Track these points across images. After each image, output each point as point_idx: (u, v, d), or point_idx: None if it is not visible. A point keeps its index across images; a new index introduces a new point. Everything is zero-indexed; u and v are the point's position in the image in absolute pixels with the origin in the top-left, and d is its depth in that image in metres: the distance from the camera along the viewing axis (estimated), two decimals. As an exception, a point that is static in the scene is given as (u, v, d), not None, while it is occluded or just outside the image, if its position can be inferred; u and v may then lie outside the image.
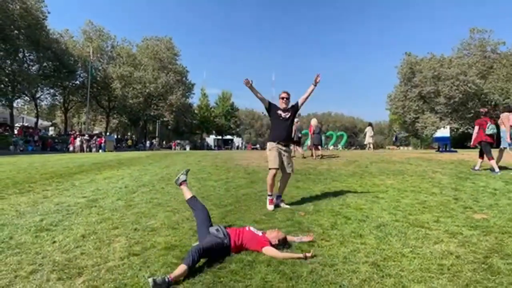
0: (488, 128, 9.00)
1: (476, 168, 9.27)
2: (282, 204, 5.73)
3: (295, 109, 5.86)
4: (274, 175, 5.61)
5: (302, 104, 5.89)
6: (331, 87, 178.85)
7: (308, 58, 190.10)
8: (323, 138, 30.91)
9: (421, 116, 45.88)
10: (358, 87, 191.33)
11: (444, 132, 18.45)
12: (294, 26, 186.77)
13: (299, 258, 3.52)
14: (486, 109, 9.57)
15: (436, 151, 17.56)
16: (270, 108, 5.80)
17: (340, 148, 31.81)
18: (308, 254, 3.56)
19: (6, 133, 34.40)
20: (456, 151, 16.70)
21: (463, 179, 7.79)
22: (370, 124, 20.85)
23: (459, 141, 42.23)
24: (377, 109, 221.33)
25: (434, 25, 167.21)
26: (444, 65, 44.48)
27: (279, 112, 5.75)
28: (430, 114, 44.32)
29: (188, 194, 4.50)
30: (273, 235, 3.86)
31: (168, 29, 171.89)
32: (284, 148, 5.77)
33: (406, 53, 49.23)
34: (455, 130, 41.92)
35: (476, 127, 9.33)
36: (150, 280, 2.88)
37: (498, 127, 9.45)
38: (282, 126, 5.75)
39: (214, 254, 3.51)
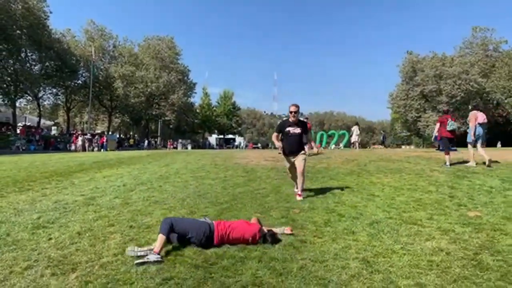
0: (448, 125, 9.67)
1: (448, 165, 9.55)
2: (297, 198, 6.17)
3: (305, 126, 6.42)
4: (290, 171, 6.50)
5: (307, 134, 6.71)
6: (333, 86, 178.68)
7: (310, 57, 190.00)
8: (325, 136, 31.01)
9: (422, 115, 45.83)
10: (360, 86, 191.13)
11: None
12: (295, 25, 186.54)
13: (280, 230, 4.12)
14: (447, 108, 10.52)
15: (436, 149, 17.51)
16: (281, 130, 6.36)
17: (342, 147, 31.76)
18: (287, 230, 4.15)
19: (9, 133, 34.59)
20: (456, 150, 16.63)
21: (461, 177, 7.80)
22: (356, 124, 22.40)
23: (461, 140, 42.09)
24: (379, 108, 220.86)
25: (436, 23, 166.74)
26: (446, 63, 44.42)
27: (288, 128, 6.24)
28: (432, 113, 44.24)
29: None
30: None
31: (169, 28, 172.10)
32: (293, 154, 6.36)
33: (408, 51, 49.25)
34: (457, 128, 41.80)
35: (438, 124, 10.07)
36: (136, 261, 3.36)
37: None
38: (292, 141, 6.27)
39: (193, 232, 3.80)
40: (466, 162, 9.97)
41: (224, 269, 3.27)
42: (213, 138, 70.60)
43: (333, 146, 34.36)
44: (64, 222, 4.81)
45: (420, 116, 46.23)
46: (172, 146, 49.04)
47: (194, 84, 59.69)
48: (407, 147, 55.47)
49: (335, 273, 3.21)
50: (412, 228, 4.46)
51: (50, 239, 4.14)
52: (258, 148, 61.28)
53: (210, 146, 62.20)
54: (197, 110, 63.01)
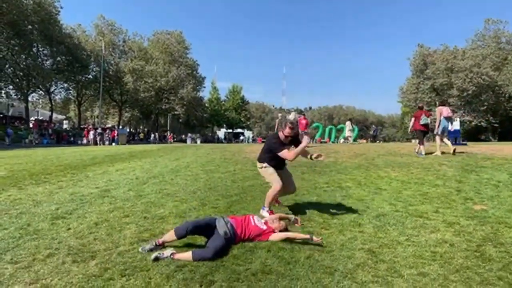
0: (421, 119, 10.88)
1: (420, 152, 10.88)
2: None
3: (298, 141, 4.99)
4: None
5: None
6: (343, 80, 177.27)
7: (319, 51, 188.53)
8: (334, 130, 31.07)
9: (433, 109, 45.28)
10: (370, 80, 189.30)
11: (454, 125, 18.28)
12: (304, 19, 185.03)
13: (305, 238, 3.76)
14: (421, 105, 11.85)
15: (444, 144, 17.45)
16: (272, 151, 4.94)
17: (351, 142, 31.71)
18: (315, 238, 3.77)
19: (22, 127, 35.28)
20: (466, 144, 16.57)
21: (468, 172, 7.83)
22: (350, 120, 24.54)
23: (472, 134, 41.59)
24: (389, 101, 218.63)
25: (447, 16, 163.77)
26: (457, 56, 43.80)
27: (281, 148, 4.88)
28: (443, 107, 43.71)
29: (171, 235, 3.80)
30: (276, 226, 4.03)
31: (178, 23, 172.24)
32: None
33: (418, 44, 48.68)
34: (468, 122, 41.29)
35: (413, 119, 11.40)
36: (153, 256, 3.38)
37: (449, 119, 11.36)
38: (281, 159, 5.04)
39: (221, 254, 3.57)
40: (432, 153, 10.97)
41: (235, 258, 3.43)
42: (222, 132, 70.84)
43: (342, 140, 34.30)
44: (82, 213, 5.02)
45: (430, 110, 45.62)
46: (172, 139, 49.29)
47: (203, 78, 59.90)
48: (416, 141, 55.01)
49: (341, 262, 3.35)
50: (417, 220, 4.57)
51: (69, 229, 4.35)
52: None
53: (219, 140, 62.47)
54: (206, 105, 63.21)
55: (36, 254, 3.59)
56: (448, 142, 10.98)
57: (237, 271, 3.14)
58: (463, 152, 11.04)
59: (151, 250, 3.59)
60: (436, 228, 4.30)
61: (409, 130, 12.05)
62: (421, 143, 11.06)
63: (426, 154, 10.67)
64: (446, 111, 10.99)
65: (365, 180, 7.22)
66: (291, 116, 17.37)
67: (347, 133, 23.92)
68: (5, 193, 6.31)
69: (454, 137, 17.26)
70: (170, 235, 3.71)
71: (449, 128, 11.74)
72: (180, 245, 3.71)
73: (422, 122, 10.91)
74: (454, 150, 10.59)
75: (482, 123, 42.23)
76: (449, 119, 11.15)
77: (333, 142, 28.78)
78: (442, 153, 10.69)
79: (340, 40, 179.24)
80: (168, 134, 51.88)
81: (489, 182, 6.75)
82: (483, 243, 3.83)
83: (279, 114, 19.32)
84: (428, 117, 11.01)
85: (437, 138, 11.05)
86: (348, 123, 23.98)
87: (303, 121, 18.29)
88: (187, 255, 3.41)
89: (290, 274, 3.09)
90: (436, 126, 11.01)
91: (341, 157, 10.73)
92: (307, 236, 3.78)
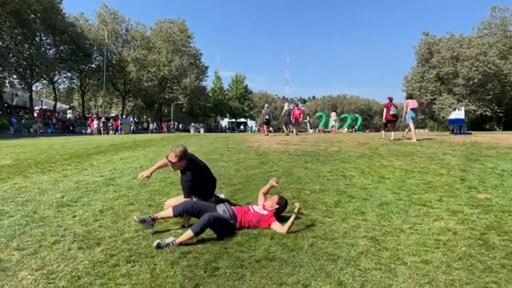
0: (391, 110, 12.62)
1: (382, 138, 12.62)
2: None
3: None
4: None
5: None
6: (347, 69, 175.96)
7: (322, 40, 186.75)
8: (335, 120, 31.16)
9: (438, 98, 44.95)
10: (373, 69, 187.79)
11: (458, 114, 18.17)
12: (308, 7, 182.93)
13: (295, 217, 3.88)
14: (391, 97, 13.11)
15: (450, 133, 17.35)
16: None
17: (355, 131, 31.62)
18: (297, 205, 4.02)
19: (26, 116, 35.43)
20: (470, 133, 16.47)
21: (473, 161, 7.80)
22: (334, 111, 27.66)
23: (477, 124, 41.26)
24: (393, 90, 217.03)
25: (453, 3, 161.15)
26: (463, 45, 43.16)
27: None
28: (448, 96, 43.39)
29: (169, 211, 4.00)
30: (271, 203, 4.18)
31: (181, 11, 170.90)
32: None
33: (424, 32, 47.99)
34: (473, 112, 40.93)
35: (385, 109, 12.93)
36: (155, 243, 3.40)
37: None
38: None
39: (221, 228, 3.75)
40: (409, 138, 12.39)
41: (238, 245, 3.46)
42: (225, 122, 70.76)
43: (345, 130, 34.20)
44: (87, 201, 5.07)
45: (435, 99, 45.36)
46: (166, 129, 49.28)
47: (206, 67, 59.50)
48: (421, 130, 54.65)
49: (344, 249, 3.37)
50: (421, 209, 4.57)
51: (75, 216, 4.40)
52: (270, 131, 61.28)
53: (222, 130, 62.45)
54: (209, 94, 63.01)
55: (42, 241, 3.63)
56: (412, 131, 12.66)
57: (241, 258, 3.17)
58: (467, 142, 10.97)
59: (143, 221, 3.81)
60: (440, 216, 4.30)
61: (383, 120, 13.56)
62: (391, 130, 13.10)
63: (392, 140, 12.26)
64: (412, 103, 12.71)
65: (369, 169, 7.21)
66: (285, 106, 19.41)
67: (332, 123, 26.97)
68: (11, 181, 6.37)
69: (459, 126, 17.16)
70: (167, 212, 3.93)
71: (416, 118, 13.35)
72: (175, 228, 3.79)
73: (392, 112, 12.68)
74: (405, 136, 13.13)
75: (487, 113, 41.82)
76: (415, 110, 12.74)
77: (336, 131, 28.79)
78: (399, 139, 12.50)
79: (345, 30, 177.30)
80: (164, 124, 52.02)
81: (493, 171, 6.73)
82: (487, 231, 3.83)
83: (266, 105, 20.35)
84: (396, 108, 12.81)
85: (411, 125, 12.49)
86: (333, 113, 27.58)
87: (297, 112, 19.12)
88: (187, 233, 3.53)
89: (293, 261, 3.11)
90: (403, 115, 12.78)
91: (344, 146, 10.70)
92: (292, 218, 3.85)
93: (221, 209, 3.98)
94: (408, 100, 12.89)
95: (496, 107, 42.13)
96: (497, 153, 8.71)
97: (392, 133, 12.86)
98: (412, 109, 12.53)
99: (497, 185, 5.67)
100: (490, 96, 41.50)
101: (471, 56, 40.83)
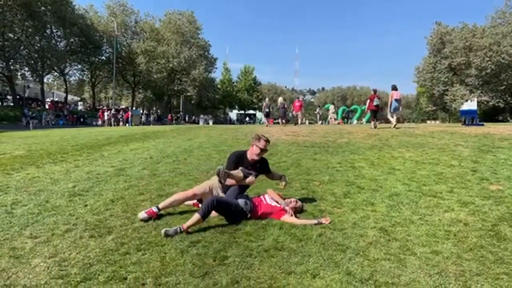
0: (375, 101, 14.20)
1: (372, 127, 13.77)
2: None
3: (262, 169, 4.59)
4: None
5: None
6: (357, 60, 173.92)
7: (332, 31, 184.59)
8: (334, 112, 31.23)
9: (450, 89, 44.22)
10: (385, 60, 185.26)
11: (471, 105, 17.88)
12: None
13: (314, 224, 3.74)
14: (375, 89, 14.71)
15: (462, 124, 17.09)
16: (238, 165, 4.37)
17: (365, 122, 31.39)
18: (323, 220, 3.79)
19: (38, 108, 35.93)
20: (482, 124, 16.19)
21: (485, 152, 7.68)
22: (332, 103, 28.99)
23: (489, 115, 40.51)
24: (404, 81, 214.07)
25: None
26: (476, 35, 42.23)
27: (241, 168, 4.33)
28: (460, 87, 42.64)
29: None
30: (292, 206, 4.06)
31: (189, 3, 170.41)
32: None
33: (436, 22, 47.08)
34: (485, 103, 40.19)
35: (368, 100, 14.57)
36: (163, 231, 3.42)
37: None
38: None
39: (229, 214, 3.79)
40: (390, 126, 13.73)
41: (247, 235, 3.48)
42: (234, 114, 70.77)
43: (355, 121, 33.95)
44: (98, 191, 5.13)
45: (447, 90, 44.63)
46: (171, 121, 49.27)
47: (215, 59, 59.38)
48: (433, 122, 53.91)
49: (353, 240, 3.37)
50: (431, 200, 4.53)
51: (86, 205, 4.46)
52: (278, 123, 61.14)
53: (231, 122, 62.49)
54: (218, 86, 62.97)
55: (54, 229, 3.69)
56: (393, 119, 14.13)
57: (249, 247, 3.19)
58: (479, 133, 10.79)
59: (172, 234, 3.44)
60: (450, 207, 4.26)
61: (365, 110, 15.44)
62: (372, 120, 14.45)
63: (377, 128, 13.61)
64: (396, 94, 13.96)
65: (379, 161, 7.15)
66: (280, 99, 20.45)
67: (330, 115, 28.43)
68: (23, 172, 6.48)
69: (471, 117, 16.89)
70: (193, 219, 3.58)
71: (399, 109, 14.55)
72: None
73: (375, 103, 14.20)
74: (395, 126, 13.73)
75: (500, 104, 41.05)
76: (398, 101, 14.07)
77: (345, 123, 28.65)
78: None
79: (355, 20, 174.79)
80: (169, 116, 52.26)
81: (506, 162, 6.61)
82: (499, 222, 3.78)
83: (266, 99, 20.87)
84: (379, 99, 14.36)
85: (389, 115, 14.41)
86: (332, 106, 29.14)
87: (297, 104, 19.17)
88: (194, 217, 3.58)
89: (302, 251, 3.12)
90: (388, 106, 14.25)
91: (354, 138, 10.63)
92: (314, 221, 3.76)
93: (243, 201, 3.95)
94: (393, 92, 14.11)
95: (509, 98, 41.34)
96: (510, 145, 8.56)
97: (373, 122, 14.29)
98: (395, 100, 13.94)
99: (510, 177, 5.58)
100: (503, 87, 40.69)
101: (484, 46, 39.98)
